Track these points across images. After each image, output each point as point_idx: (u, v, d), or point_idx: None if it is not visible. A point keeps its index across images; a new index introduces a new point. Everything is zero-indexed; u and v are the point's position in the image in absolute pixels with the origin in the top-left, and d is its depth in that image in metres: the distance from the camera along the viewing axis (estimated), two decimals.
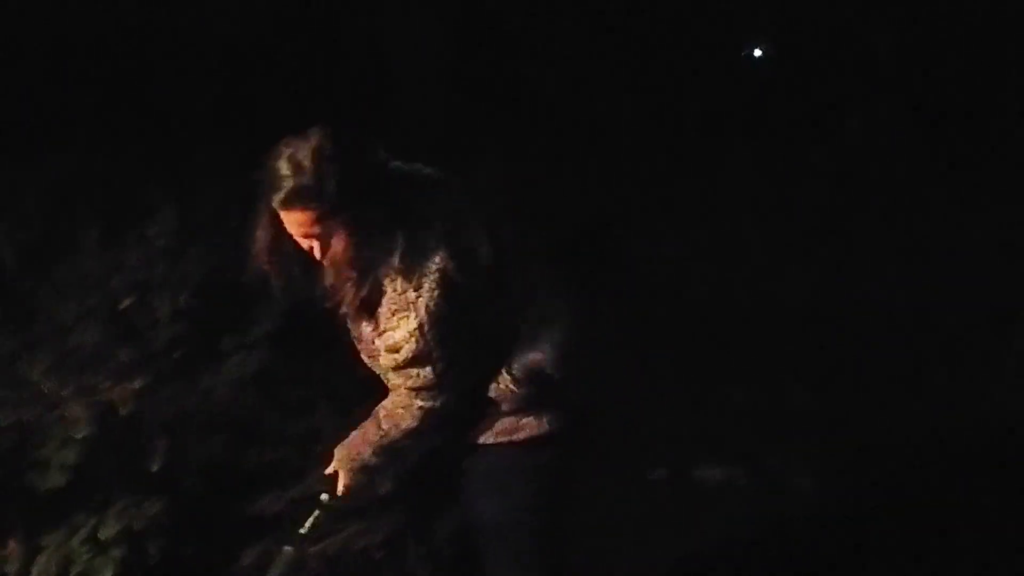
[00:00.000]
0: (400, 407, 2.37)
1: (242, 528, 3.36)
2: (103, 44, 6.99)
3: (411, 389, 2.32)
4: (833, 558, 3.31)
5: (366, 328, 2.35)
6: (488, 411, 2.38)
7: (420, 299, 2.23)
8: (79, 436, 3.56)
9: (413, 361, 2.27)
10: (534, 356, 2.34)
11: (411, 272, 2.24)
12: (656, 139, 6.98)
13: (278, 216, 2.28)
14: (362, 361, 2.58)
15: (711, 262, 5.33)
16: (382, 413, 2.41)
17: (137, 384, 3.93)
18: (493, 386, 2.35)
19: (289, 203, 2.23)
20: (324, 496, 2.55)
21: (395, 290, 2.25)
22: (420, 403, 2.33)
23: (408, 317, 2.23)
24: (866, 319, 4.83)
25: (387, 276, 2.25)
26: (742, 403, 4.02)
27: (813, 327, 4.72)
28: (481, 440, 2.41)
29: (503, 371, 2.35)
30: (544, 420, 2.40)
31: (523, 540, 2.47)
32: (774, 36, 7.63)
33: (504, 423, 2.40)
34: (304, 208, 2.21)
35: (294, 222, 2.24)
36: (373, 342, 2.37)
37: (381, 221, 2.24)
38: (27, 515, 3.21)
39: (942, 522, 3.43)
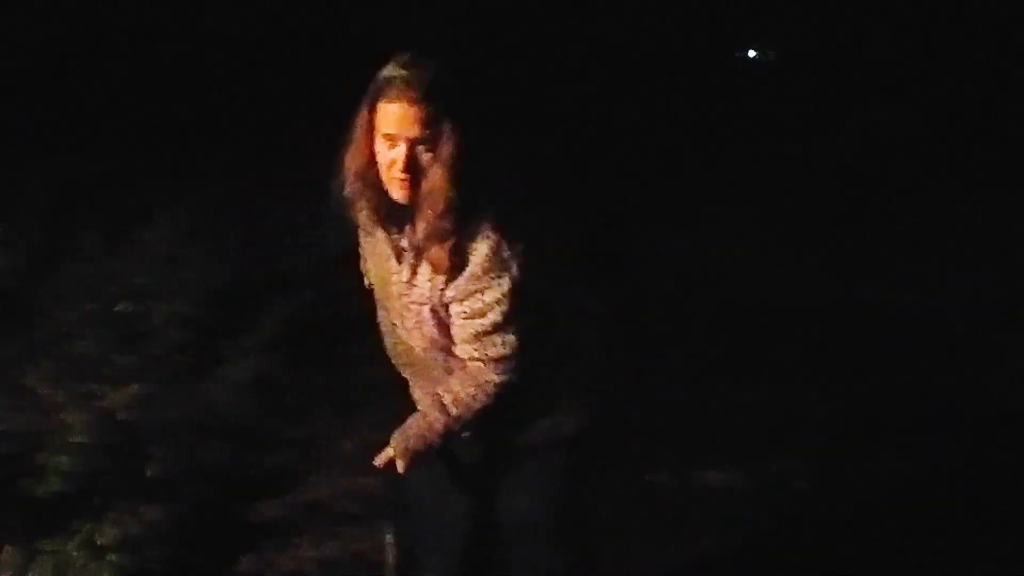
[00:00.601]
0: (472, 386, 2.17)
1: (241, 534, 3.34)
2: (102, 49, 7.00)
3: (492, 360, 2.17)
4: (834, 561, 3.29)
5: (446, 290, 2.16)
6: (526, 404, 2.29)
7: (515, 262, 2.06)
8: (77, 442, 3.55)
9: (499, 327, 2.11)
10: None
11: (510, 232, 2.05)
12: (658, 139, 6.98)
13: (371, 139, 2.04)
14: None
15: (710, 262, 5.32)
16: (448, 399, 2.18)
17: (135, 390, 3.94)
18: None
19: (402, 92, 1.99)
20: (389, 537, 2.43)
21: (491, 249, 2.05)
22: (498, 377, 2.14)
23: (502, 279, 2.06)
24: (868, 319, 4.81)
25: (485, 230, 2.06)
26: (741, 405, 4.00)
27: (815, 327, 4.71)
28: (524, 440, 2.33)
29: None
30: (582, 418, 2.33)
31: (560, 538, 2.43)
32: (770, 37, 7.63)
33: (543, 423, 2.33)
34: (416, 100, 1.98)
35: (401, 119, 1.99)
36: (447, 308, 2.13)
37: (489, 161, 2.06)
38: (24, 520, 3.19)
39: (944, 522, 3.41)
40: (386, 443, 2.26)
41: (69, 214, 5.50)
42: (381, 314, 2.32)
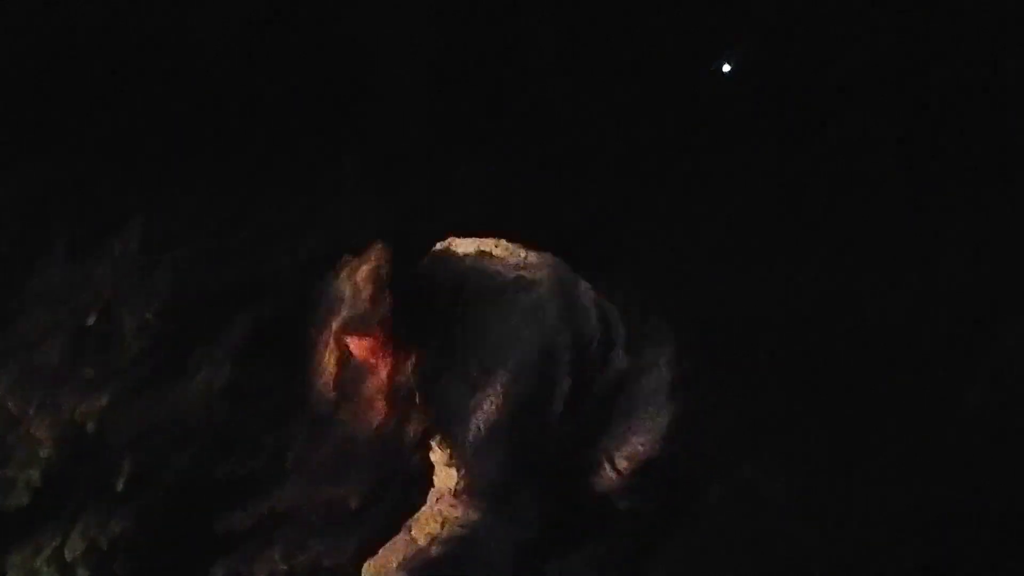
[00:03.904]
0: (438, 519, 2.29)
1: (212, 544, 3.32)
2: (72, 53, 6.92)
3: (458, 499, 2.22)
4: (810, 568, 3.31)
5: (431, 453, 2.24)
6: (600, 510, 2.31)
7: (470, 450, 2.17)
8: (44, 454, 3.52)
9: (465, 491, 2.22)
10: (639, 444, 2.28)
11: (463, 426, 2.20)
12: (645, 143, 6.96)
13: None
14: None
15: (689, 268, 5.33)
16: (413, 528, 2.29)
17: (103, 400, 3.90)
18: (596, 479, 2.29)
19: (350, 330, 2.19)
20: None
21: (448, 446, 2.21)
22: (463, 515, 2.26)
23: (457, 469, 2.22)
24: (845, 323, 4.82)
25: (440, 432, 2.23)
26: (712, 410, 4.00)
27: (789, 331, 4.72)
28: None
29: (604, 462, 2.30)
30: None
31: None
32: (746, 48, 7.66)
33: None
34: (364, 335, 2.16)
35: (356, 347, 2.24)
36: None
37: (443, 350, 2.20)
38: None
39: (925, 527, 3.43)
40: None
41: (37, 221, 5.43)
42: None
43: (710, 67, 7.66)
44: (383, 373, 2.13)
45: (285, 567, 3.21)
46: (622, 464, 2.30)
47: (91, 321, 4.34)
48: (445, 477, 2.22)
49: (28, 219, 5.43)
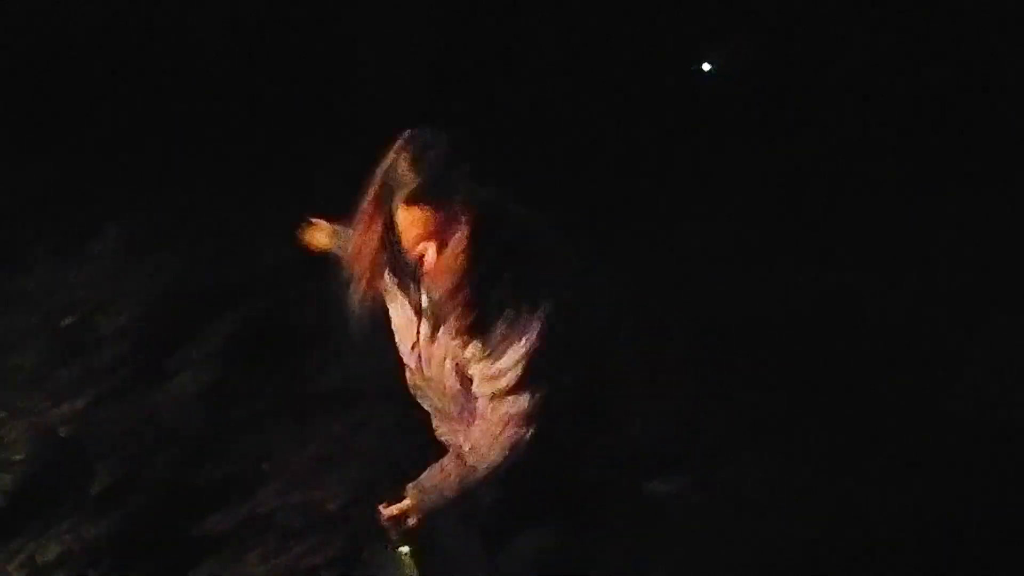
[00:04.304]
0: (490, 438, 2.21)
1: (188, 548, 3.28)
2: (50, 60, 6.88)
3: (510, 416, 2.19)
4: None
5: (465, 350, 2.19)
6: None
7: (534, 328, 2.13)
8: (17, 458, 3.48)
9: (514, 389, 2.16)
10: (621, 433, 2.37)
11: (528, 299, 2.13)
12: (643, 142, 6.94)
13: (387, 219, 2.12)
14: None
15: (663, 271, 5.31)
16: (466, 448, 2.24)
17: (78, 404, 3.86)
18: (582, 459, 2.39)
19: (419, 196, 2.06)
20: (404, 549, 2.33)
21: (509, 316, 2.13)
22: (515, 432, 2.19)
23: (517, 345, 2.13)
24: (828, 322, 4.80)
25: (504, 298, 2.13)
26: (693, 412, 3.98)
27: (771, 332, 4.70)
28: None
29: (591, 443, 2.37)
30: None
31: None
32: (726, 49, 7.65)
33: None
34: (432, 204, 2.05)
35: (416, 221, 2.08)
36: (466, 368, 2.22)
37: (506, 235, 2.13)
38: None
39: (906, 525, 3.42)
40: (398, 494, 2.28)
41: (13, 225, 5.39)
42: (405, 361, 2.39)
43: (693, 66, 7.67)
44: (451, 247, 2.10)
45: (263, 569, 3.17)
46: (604, 447, 2.33)
47: (66, 323, 4.31)
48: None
49: (6, 222, 5.39)
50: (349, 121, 6.38)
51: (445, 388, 2.30)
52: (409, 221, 2.10)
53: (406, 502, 2.27)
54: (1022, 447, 3.85)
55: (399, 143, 2.12)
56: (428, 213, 2.08)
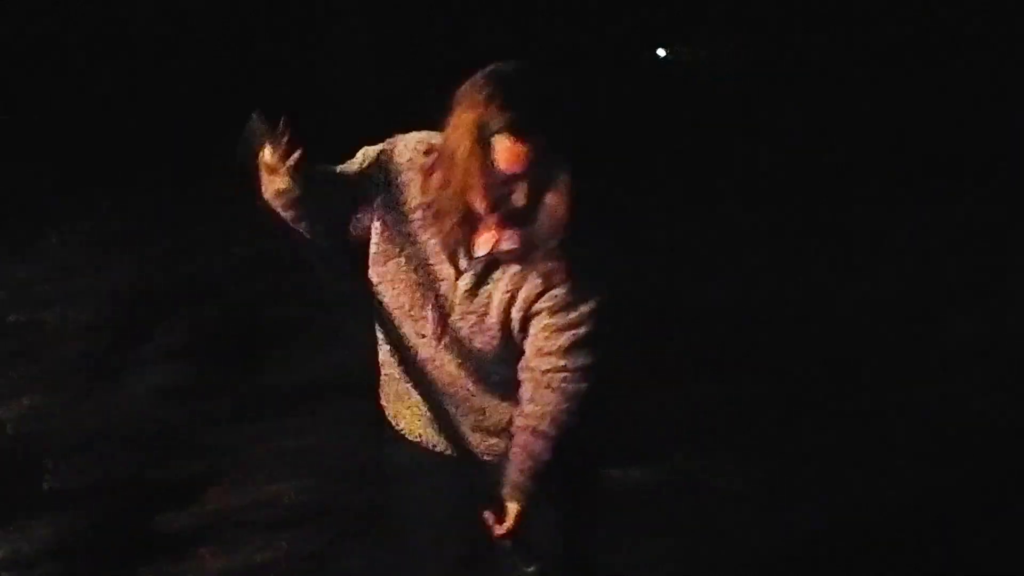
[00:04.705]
0: (562, 402, 2.10)
1: (141, 547, 3.22)
2: (12, 46, 6.78)
3: (579, 370, 2.07)
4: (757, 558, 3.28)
5: (537, 302, 2.06)
6: None
7: (603, 288, 2.07)
8: None
9: (592, 337, 2.07)
10: None
11: (603, 242, 2.11)
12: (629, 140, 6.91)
13: (477, 160, 1.97)
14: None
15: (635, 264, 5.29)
16: (543, 424, 2.11)
17: (26, 402, 3.80)
18: None
19: (523, 130, 1.93)
20: (531, 569, 2.19)
21: (591, 261, 2.06)
22: (585, 386, 2.09)
23: (599, 290, 2.07)
24: (791, 313, 4.80)
25: (585, 241, 2.05)
26: (653, 401, 3.96)
27: (731, 323, 4.69)
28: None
29: None
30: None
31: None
32: (684, 36, 7.66)
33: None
34: (539, 136, 1.94)
35: (523, 156, 1.96)
36: (524, 320, 2.09)
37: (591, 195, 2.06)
38: None
39: (870, 515, 3.42)
40: (490, 507, 2.16)
41: None
42: (405, 326, 2.19)
43: (648, 53, 7.68)
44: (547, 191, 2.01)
45: (217, 566, 3.12)
46: None
47: (12, 320, 4.24)
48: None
49: None
50: (307, 115, 6.32)
51: (476, 350, 2.15)
52: (515, 155, 1.98)
53: (512, 507, 2.15)
54: (988, 439, 3.87)
55: (492, 74, 2.01)
56: (533, 147, 1.97)
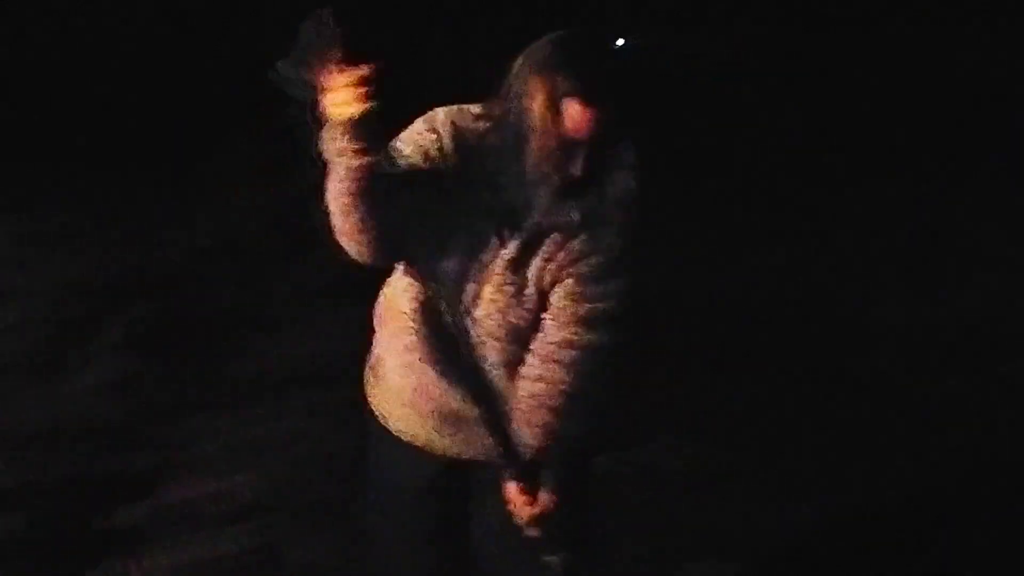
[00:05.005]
0: (557, 381, 2.03)
1: (90, 544, 3.17)
2: None
3: (600, 343, 2.01)
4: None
5: (577, 264, 1.97)
6: None
7: (636, 269, 2.03)
8: None
9: (611, 318, 2.02)
10: None
11: (642, 241, 2.05)
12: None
13: (552, 115, 1.91)
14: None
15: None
16: (550, 402, 2.04)
17: None
18: None
19: (598, 95, 1.88)
20: (552, 558, 2.15)
21: (632, 243, 2.02)
22: (579, 363, 2.02)
23: (624, 276, 2.01)
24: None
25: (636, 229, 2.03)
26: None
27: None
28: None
29: None
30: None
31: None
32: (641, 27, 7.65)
33: None
34: (612, 101, 1.90)
35: (586, 118, 1.90)
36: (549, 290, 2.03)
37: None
38: None
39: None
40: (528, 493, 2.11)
41: None
42: (443, 293, 2.07)
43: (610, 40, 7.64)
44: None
45: (169, 561, 3.07)
46: None
47: None
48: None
49: None
50: (251, 109, 6.25)
51: (510, 324, 2.07)
52: (586, 120, 1.93)
53: (546, 488, 2.11)
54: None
55: (563, 39, 1.97)
56: (597, 113, 1.92)
